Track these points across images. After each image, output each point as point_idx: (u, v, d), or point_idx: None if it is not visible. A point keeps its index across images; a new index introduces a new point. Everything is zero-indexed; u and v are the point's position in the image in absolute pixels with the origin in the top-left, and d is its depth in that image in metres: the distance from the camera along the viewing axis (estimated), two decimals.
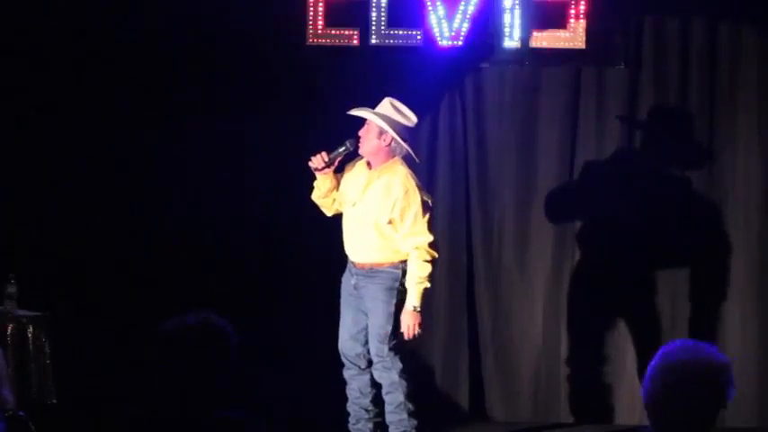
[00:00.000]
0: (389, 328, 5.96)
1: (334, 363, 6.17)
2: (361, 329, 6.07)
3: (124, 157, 6.97)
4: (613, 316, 7.18)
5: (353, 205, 6.03)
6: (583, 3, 6.96)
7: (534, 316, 7.21)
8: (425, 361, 7.13)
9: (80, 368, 6.55)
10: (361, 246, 6.04)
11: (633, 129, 7.20)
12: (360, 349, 6.07)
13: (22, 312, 6.32)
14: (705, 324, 7.14)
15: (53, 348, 6.30)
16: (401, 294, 6.00)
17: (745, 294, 7.13)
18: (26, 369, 6.19)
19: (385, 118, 5.95)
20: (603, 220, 7.17)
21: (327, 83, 6.96)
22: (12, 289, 6.33)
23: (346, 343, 6.10)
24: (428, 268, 5.93)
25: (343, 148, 6.00)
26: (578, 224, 7.22)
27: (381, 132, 5.96)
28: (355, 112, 6.02)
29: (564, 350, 7.19)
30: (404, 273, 6.00)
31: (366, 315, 6.05)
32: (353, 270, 6.06)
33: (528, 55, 7.03)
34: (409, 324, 5.91)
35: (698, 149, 7.18)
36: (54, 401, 6.22)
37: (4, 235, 6.75)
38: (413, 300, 5.92)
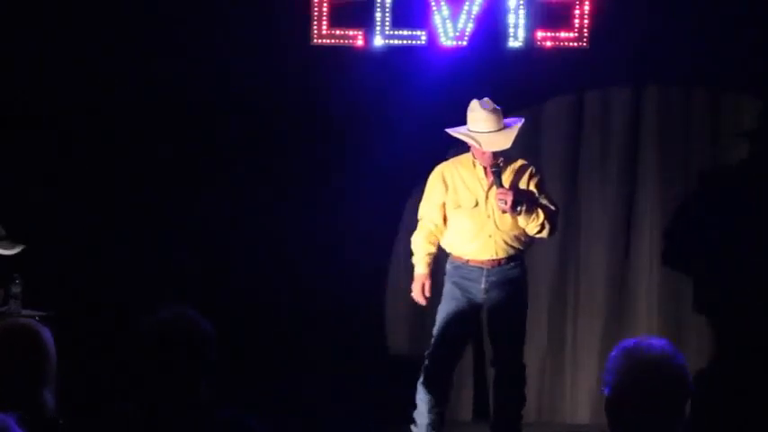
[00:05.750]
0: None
1: (337, 363, 6.17)
2: None
3: (126, 157, 6.99)
4: (618, 315, 7.18)
5: (475, 205, 6.04)
6: (587, 3, 6.96)
7: (539, 315, 7.20)
8: None
9: (85, 368, 6.56)
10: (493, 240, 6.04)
11: (637, 127, 7.20)
12: None
13: (26, 312, 6.33)
14: (708, 324, 7.14)
15: (58, 348, 6.29)
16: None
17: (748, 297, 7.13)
18: None
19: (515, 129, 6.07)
20: (607, 219, 7.17)
21: (332, 83, 6.96)
22: (16, 289, 6.34)
23: None
24: (555, 213, 6.09)
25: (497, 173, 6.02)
26: (583, 223, 7.22)
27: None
28: (502, 146, 6.05)
29: (569, 350, 7.20)
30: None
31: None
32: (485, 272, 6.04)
33: (532, 55, 7.04)
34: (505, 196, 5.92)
35: (701, 149, 7.17)
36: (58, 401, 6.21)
37: (8, 234, 6.76)
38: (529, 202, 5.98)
